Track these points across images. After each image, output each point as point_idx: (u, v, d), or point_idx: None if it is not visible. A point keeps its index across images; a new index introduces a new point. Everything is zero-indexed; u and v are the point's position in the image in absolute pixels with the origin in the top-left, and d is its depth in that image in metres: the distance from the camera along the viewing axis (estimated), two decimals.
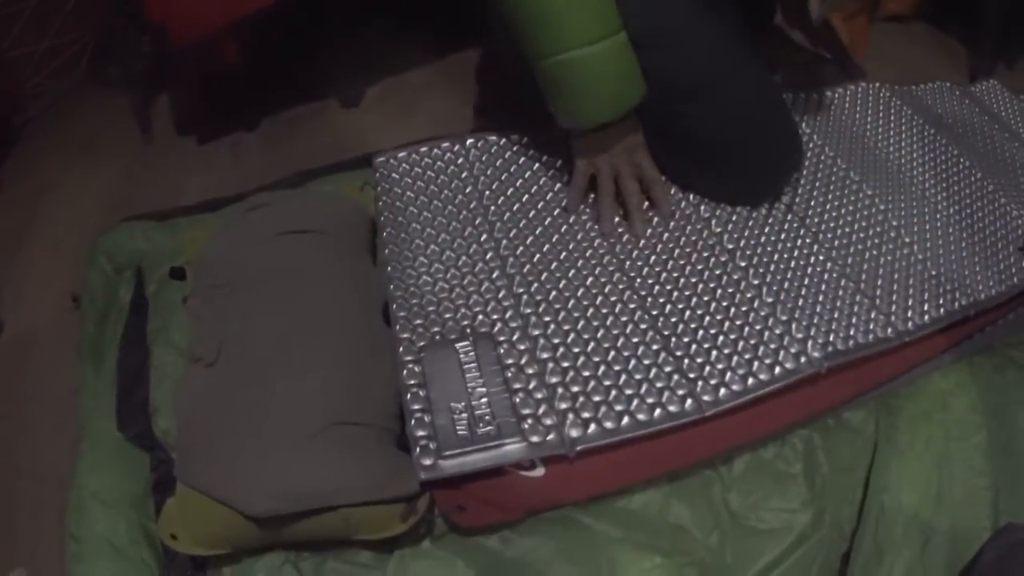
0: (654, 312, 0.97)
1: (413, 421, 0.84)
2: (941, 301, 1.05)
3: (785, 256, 1.07)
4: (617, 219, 1.09)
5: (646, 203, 1.10)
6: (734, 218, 1.11)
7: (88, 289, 1.08)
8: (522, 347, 0.92)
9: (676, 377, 0.90)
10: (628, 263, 1.03)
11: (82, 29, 1.55)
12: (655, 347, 0.93)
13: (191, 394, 0.87)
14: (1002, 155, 1.40)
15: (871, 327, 0.99)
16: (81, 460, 0.90)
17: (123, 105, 1.46)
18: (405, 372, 0.88)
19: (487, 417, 0.84)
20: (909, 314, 1.02)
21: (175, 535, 0.77)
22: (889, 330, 0.99)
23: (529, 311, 0.96)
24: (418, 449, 0.81)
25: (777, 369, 0.92)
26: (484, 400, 0.86)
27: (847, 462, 0.94)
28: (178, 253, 1.07)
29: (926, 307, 1.04)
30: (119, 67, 1.50)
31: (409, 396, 0.86)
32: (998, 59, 1.67)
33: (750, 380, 0.90)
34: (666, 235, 1.08)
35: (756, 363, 0.92)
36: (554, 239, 1.06)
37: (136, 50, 1.42)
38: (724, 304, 0.99)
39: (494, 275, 1.00)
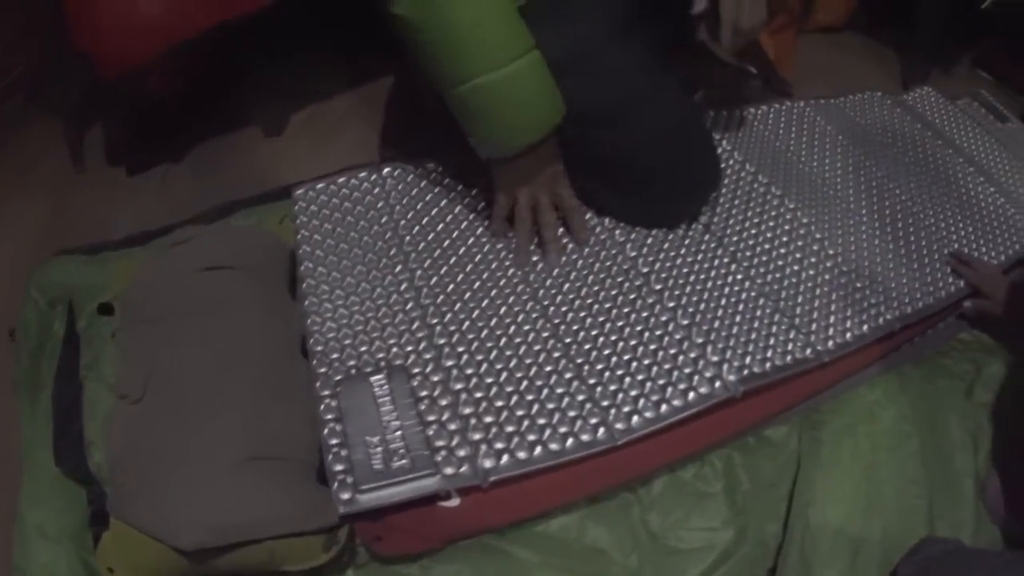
0: (567, 340, 0.97)
1: (331, 456, 0.84)
2: (865, 317, 1.06)
3: (702, 277, 1.07)
4: (532, 247, 1.09)
5: (561, 230, 1.10)
6: (649, 241, 1.11)
7: (23, 324, 1.08)
8: (435, 378, 0.92)
9: (588, 406, 0.90)
10: (542, 291, 1.03)
11: (20, 56, 1.54)
12: (568, 375, 0.93)
13: (120, 430, 0.88)
14: (935, 164, 1.41)
15: (789, 348, 0.99)
16: (23, 494, 0.90)
17: (58, 134, 1.45)
18: (322, 407, 0.89)
19: (401, 451, 0.84)
20: (830, 332, 1.03)
21: (112, 568, 0.78)
22: (808, 351, 1.00)
23: (443, 342, 0.96)
24: (336, 483, 0.82)
25: (691, 395, 0.92)
26: (398, 433, 0.86)
27: (769, 479, 0.94)
28: (107, 287, 1.07)
29: (848, 324, 1.04)
30: (56, 96, 1.50)
31: (326, 431, 0.87)
32: (934, 65, 1.68)
33: (663, 407, 0.91)
34: (580, 261, 1.08)
35: (670, 389, 0.93)
36: (468, 268, 1.06)
37: (72, 79, 1.42)
38: (638, 329, 0.99)
39: (408, 306, 1.00)
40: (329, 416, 0.88)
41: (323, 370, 0.93)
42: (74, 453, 0.93)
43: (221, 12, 1.16)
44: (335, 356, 0.94)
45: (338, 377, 0.92)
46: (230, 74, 1.45)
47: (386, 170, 1.20)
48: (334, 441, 0.86)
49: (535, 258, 1.08)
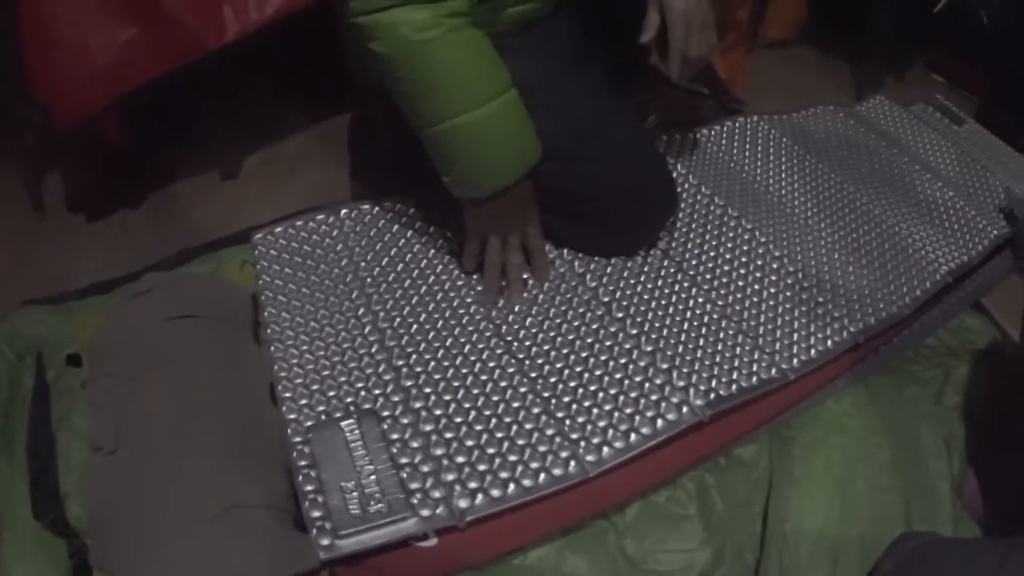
0: (533, 374, 0.97)
1: (307, 502, 0.84)
2: (829, 331, 1.06)
3: (663, 303, 1.07)
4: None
5: (526, 274, 1.10)
6: (608, 270, 1.11)
7: None
8: (405, 421, 0.92)
9: (558, 439, 0.90)
10: (505, 327, 1.03)
11: None
12: (536, 410, 0.93)
13: (96, 482, 0.88)
14: (891, 172, 1.42)
15: (755, 369, 1.00)
16: (4, 548, 0.90)
17: (17, 182, 1.44)
18: (295, 453, 0.88)
19: (377, 495, 0.84)
20: (795, 350, 1.03)
21: None
22: (774, 370, 1.00)
23: (410, 383, 0.96)
24: (315, 530, 0.82)
25: (659, 422, 0.92)
26: (373, 478, 0.86)
27: (742, 498, 0.96)
28: (74, 337, 1.07)
29: (812, 340, 1.05)
30: (13, 143, 1.49)
31: (301, 478, 0.86)
32: (887, 72, 1.69)
33: (632, 436, 0.91)
34: (541, 296, 1.08)
35: (638, 417, 0.93)
36: (430, 307, 1.05)
37: (27, 124, 1.41)
38: (603, 359, 0.99)
39: (373, 349, 1.00)
40: (303, 463, 0.87)
41: (293, 416, 0.92)
42: (52, 506, 0.93)
43: (172, 58, 1.16)
44: (304, 402, 0.94)
45: (309, 423, 0.92)
46: (185, 117, 1.44)
47: (343, 211, 1.19)
48: (309, 487, 0.85)
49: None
